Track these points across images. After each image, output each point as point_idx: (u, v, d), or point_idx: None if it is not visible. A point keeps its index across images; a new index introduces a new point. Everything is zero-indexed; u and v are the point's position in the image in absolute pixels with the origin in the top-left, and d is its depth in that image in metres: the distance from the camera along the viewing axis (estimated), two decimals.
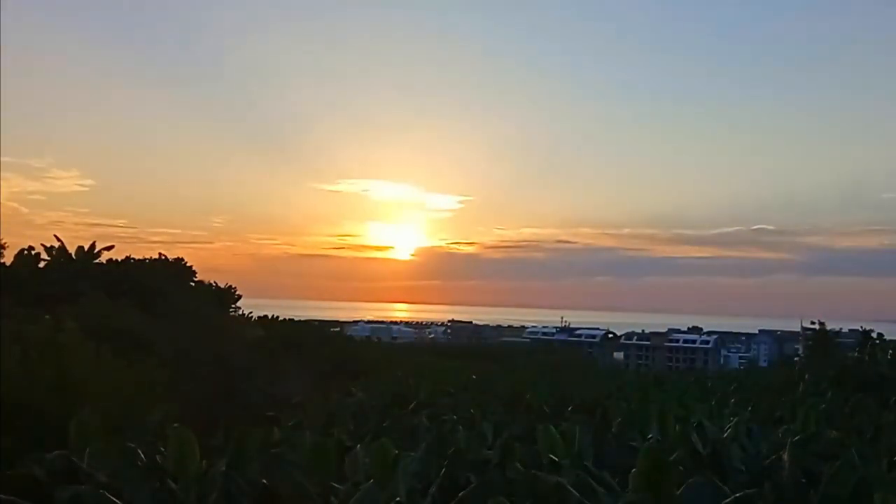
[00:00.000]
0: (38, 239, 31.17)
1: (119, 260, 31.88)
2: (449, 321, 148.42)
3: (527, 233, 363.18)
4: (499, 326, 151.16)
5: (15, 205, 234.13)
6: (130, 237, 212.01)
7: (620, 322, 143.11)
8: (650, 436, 10.05)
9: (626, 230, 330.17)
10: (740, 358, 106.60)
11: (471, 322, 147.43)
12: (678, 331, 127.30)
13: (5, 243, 27.90)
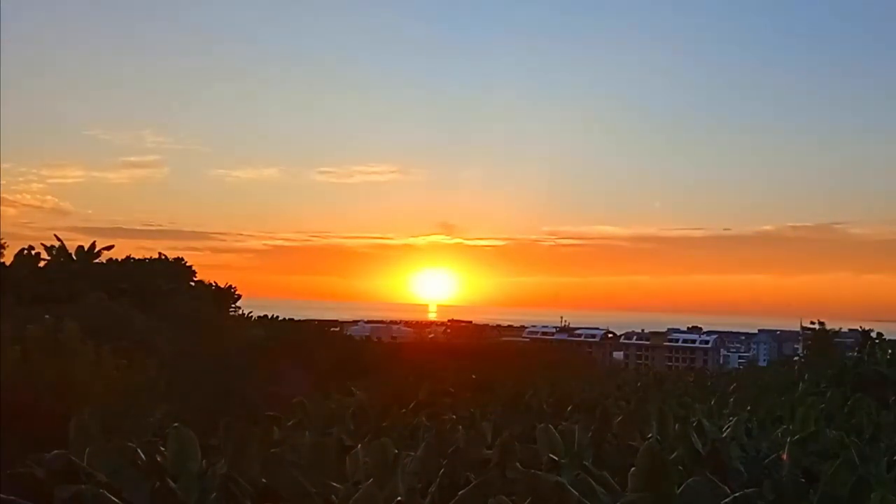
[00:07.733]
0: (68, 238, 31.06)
1: (119, 260, 31.96)
2: (449, 321, 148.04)
3: (544, 231, 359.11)
4: (498, 326, 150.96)
5: (52, 198, 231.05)
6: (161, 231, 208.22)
7: (620, 321, 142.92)
8: (650, 435, 10.07)
9: (654, 228, 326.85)
10: (740, 357, 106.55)
11: (471, 322, 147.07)
12: (678, 330, 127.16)
13: (5, 243, 27.95)
